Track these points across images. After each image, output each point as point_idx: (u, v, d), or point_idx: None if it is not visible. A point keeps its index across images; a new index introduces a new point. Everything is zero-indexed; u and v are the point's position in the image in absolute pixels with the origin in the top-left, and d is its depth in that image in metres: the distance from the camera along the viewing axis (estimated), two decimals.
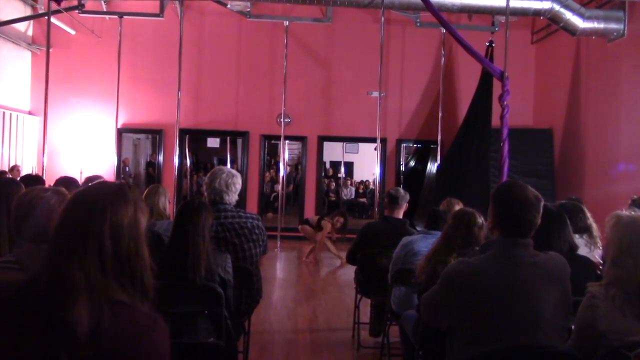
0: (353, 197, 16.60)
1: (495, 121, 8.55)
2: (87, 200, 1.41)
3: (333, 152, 15.53)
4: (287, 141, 12.02)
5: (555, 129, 10.62)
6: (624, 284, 2.26)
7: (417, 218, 9.75)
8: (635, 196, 4.50)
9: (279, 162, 12.33)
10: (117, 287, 1.36)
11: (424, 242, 4.14)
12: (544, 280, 2.34)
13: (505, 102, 7.33)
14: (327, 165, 16.29)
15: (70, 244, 1.35)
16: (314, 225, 9.73)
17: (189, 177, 14.58)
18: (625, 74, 8.50)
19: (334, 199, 15.95)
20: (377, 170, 11.09)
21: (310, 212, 11.97)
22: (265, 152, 12.37)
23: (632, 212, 2.43)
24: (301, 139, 12.18)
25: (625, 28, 8.52)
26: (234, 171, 4.05)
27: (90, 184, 1.48)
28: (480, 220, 3.40)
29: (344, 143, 15.00)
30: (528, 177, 9.50)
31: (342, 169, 16.75)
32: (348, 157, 16.81)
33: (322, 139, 12.12)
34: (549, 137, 10.59)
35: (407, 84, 11.99)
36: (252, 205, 11.76)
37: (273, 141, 12.64)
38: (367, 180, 16.85)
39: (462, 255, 2.92)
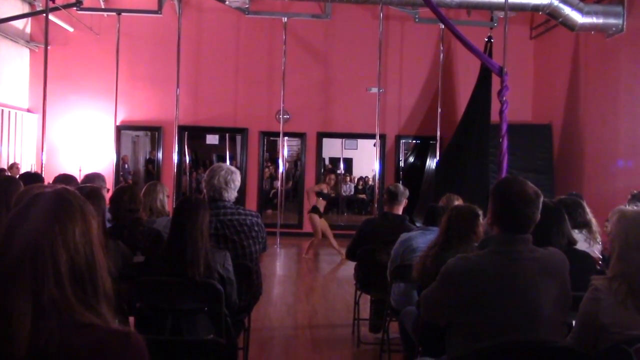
0: (352, 193, 16.60)
1: (494, 117, 8.55)
2: (30, 219, 1.29)
3: (332, 148, 15.53)
4: (286, 138, 12.01)
5: (554, 125, 10.62)
6: (629, 278, 2.27)
7: (417, 214, 9.75)
8: (635, 191, 4.50)
9: (278, 158, 12.32)
10: (81, 306, 1.27)
11: (422, 239, 4.14)
12: (543, 275, 2.34)
13: (504, 98, 7.33)
14: (327, 162, 16.29)
15: (17, 268, 1.23)
16: (320, 211, 9.57)
17: (188, 174, 14.57)
18: (624, 69, 8.50)
19: (332, 195, 15.92)
20: (376, 167, 11.10)
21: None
22: (265, 148, 12.36)
23: (635, 207, 2.43)
24: (300, 135, 12.18)
25: (624, 23, 8.51)
26: (233, 168, 4.03)
27: (26, 199, 1.36)
28: (479, 215, 3.39)
29: (343, 139, 14.99)
30: (527, 172, 9.51)
31: (342, 165, 16.76)
32: (347, 154, 16.83)
33: (321, 135, 12.12)
34: (548, 133, 10.59)
35: (406, 80, 11.98)
36: (252, 202, 11.76)
37: (272, 138, 12.64)
38: (366, 177, 16.85)
39: (460, 251, 2.91)
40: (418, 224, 5.76)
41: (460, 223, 3.37)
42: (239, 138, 12.70)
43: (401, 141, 12.28)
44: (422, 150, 12.38)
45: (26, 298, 1.21)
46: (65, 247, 1.26)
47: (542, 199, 2.41)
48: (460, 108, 11.09)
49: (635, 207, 2.44)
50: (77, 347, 1.22)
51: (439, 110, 11.40)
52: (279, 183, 12.26)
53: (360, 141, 15.04)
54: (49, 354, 1.20)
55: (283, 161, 12.08)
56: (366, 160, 15.44)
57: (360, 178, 17.00)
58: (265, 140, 12.27)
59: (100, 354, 1.24)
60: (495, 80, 8.17)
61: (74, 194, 1.38)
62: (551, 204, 3.20)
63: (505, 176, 5.13)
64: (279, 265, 9.71)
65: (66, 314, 1.24)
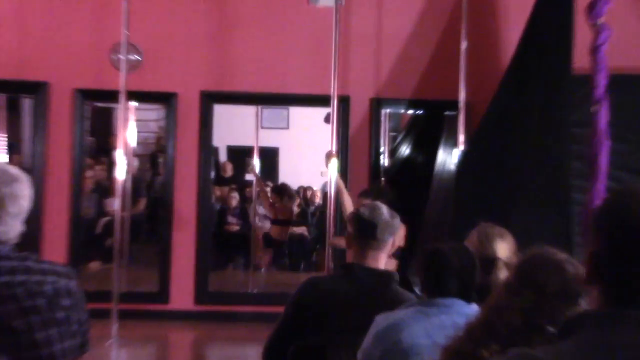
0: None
1: (578, 61, 8.71)
2: None
3: (236, 125, 15.50)
4: (134, 103, 11.97)
5: None
6: None
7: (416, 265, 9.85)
8: None
9: (115, 148, 12.21)
10: None
11: (420, 326, 4.11)
12: None
13: (599, 21, 7.49)
14: (223, 156, 16.31)
15: None
16: None
17: None
18: None
19: (237, 228, 15.92)
20: (331, 166, 10.90)
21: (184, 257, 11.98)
22: (84, 126, 12.23)
23: None
24: (166, 97, 12.14)
25: None
26: (13, 171, 3.98)
27: None
28: (572, 271, 3.35)
29: (259, 107, 14.93)
30: None
31: (256, 165, 16.69)
32: (267, 138, 16.77)
33: (211, 97, 12.11)
34: None
35: None
36: (57, 245, 11.66)
37: (103, 103, 12.58)
38: (308, 188, 16.96)
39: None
40: (417, 289, 5.80)
41: (528, 293, 3.31)
42: (26, 103, 12.61)
43: (383, 110, 12.40)
44: (428, 128, 12.55)
45: None
46: None
47: None
48: (506, 48, 11.27)
49: None
50: None
51: (463, 50, 11.49)
52: (116, 202, 12.04)
53: (296, 112, 15.10)
54: None
55: (128, 153, 11.98)
56: (309, 153, 15.52)
57: (299, 190, 17.03)
58: (88, 107, 12.19)
59: None
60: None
61: None
62: None
63: (626, 186, 5.22)
64: None
65: None
